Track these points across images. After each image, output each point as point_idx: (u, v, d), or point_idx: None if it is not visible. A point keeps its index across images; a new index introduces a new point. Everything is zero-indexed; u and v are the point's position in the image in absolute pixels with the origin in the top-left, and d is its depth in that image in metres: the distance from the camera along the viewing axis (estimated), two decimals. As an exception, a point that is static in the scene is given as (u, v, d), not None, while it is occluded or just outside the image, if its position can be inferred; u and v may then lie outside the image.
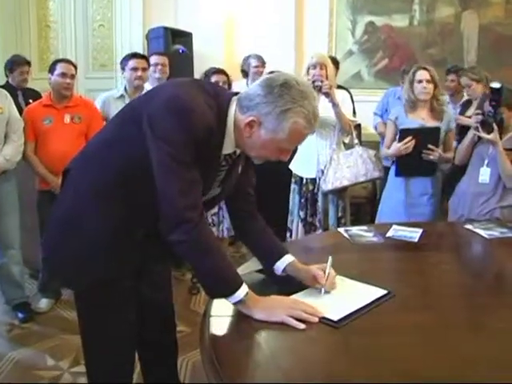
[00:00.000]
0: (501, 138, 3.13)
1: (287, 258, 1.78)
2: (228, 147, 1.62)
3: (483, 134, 3.16)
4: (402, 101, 4.70)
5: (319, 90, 3.40)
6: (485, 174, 3.22)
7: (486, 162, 3.22)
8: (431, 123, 3.44)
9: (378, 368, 1.28)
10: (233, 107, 1.58)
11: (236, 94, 1.63)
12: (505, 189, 3.17)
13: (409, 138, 3.33)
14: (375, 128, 4.93)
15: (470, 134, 3.31)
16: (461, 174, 3.43)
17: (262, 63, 4.86)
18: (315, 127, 1.58)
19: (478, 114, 3.22)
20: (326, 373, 1.28)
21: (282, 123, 1.50)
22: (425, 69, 3.42)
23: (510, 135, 3.22)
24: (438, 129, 3.39)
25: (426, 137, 3.36)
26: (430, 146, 3.34)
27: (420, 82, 3.40)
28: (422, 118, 3.46)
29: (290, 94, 1.49)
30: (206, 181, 1.59)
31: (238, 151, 1.68)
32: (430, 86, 3.39)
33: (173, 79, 1.81)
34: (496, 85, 3.11)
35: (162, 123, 1.49)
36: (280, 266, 1.77)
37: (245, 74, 4.95)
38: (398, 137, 3.42)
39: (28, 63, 4.56)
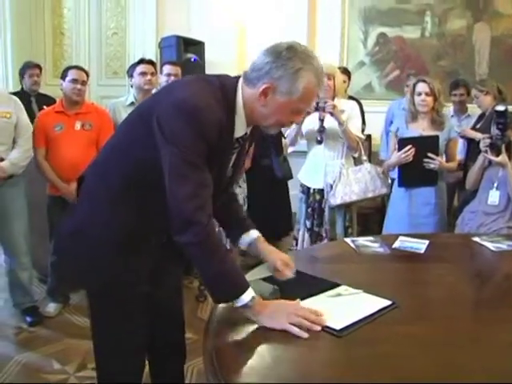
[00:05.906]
0: (510, 160, 3.15)
1: (253, 233, 1.86)
2: (239, 130, 1.65)
3: (492, 157, 3.19)
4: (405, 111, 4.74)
5: (323, 110, 3.40)
6: (494, 196, 3.25)
7: (495, 184, 3.25)
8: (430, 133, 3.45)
9: (379, 378, 1.28)
10: (239, 89, 1.61)
11: (239, 77, 1.66)
12: None
13: (408, 146, 3.36)
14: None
15: (480, 158, 3.34)
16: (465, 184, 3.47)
17: None
18: (323, 85, 1.62)
19: (486, 138, 3.25)
20: (325, 382, 1.28)
21: (296, 83, 1.54)
22: (424, 81, 3.43)
23: None
24: (436, 137, 3.40)
25: (424, 146, 3.37)
26: (429, 155, 3.36)
27: (419, 94, 3.43)
28: (422, 129, 3.49)
29: (297, 56, 1.54)
30: (222, 167, 1.65)
31: (248, 131, 1.71)
32: (429, 99, 3.41)
33: (179, 79, 1.84)
34: (500, 108, 3.16)
35: (171, 126, 1.51)
36: (246, 238, 1.85)
37: None
38: (397, 146, 3.46)
39: (38, 66, 4.61)
